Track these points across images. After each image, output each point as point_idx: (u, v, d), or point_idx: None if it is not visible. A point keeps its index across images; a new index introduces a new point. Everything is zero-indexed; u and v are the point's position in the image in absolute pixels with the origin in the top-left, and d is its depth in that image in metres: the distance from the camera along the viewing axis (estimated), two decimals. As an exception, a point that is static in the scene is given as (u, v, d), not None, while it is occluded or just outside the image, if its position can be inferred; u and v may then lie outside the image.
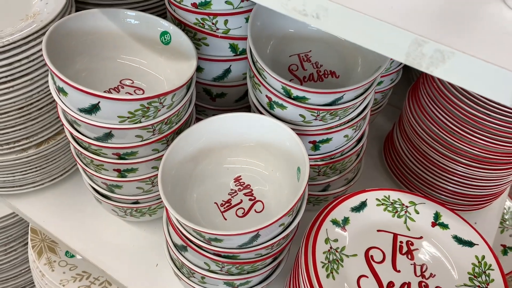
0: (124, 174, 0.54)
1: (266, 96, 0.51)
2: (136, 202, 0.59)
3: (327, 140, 0.55)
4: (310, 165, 0.58)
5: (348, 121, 0.54)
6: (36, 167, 0.63)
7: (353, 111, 0.53)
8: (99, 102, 0.44)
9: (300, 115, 0.51)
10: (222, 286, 0.52)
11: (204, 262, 0.49)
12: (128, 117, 0.46)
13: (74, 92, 0.44)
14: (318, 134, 0.54)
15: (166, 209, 0.51)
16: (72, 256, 0.71)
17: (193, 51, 0.52)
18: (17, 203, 0.67)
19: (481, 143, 0.62)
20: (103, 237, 0.64)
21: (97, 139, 0.50)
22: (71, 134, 0.51)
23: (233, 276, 0.50)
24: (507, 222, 0.90)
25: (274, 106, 0.51)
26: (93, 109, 0.45)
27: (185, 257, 0.51)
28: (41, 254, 0.69)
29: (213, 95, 0.63)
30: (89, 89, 0.43)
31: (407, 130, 0.71)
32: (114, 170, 0.54)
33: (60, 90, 0.46)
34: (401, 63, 0.70)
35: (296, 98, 0.49)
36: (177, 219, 0.45)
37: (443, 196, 0.71)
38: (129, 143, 0.50)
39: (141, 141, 0.50)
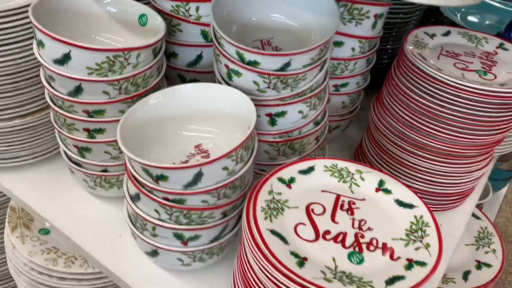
0: (93, 134, 0.59)
1: (225, 65, 0.57)
2: (105, 170, 0.63)
3: (282, 114, 0.59)
4: (268, 141, 0.62)
5: (301, 94, 0.58)
6: (20, 140, 0.68)
7: (304, 84, 0.57)
8: (70, 51, 0.50)
9: (254, 82, 0.56)
10: (172, 238, 0.54)
11: (155, 210, 0.52)
12: (96, 69, 0.52)
13: (49, 42, 0.51)
14: (272, 105, 0.58)
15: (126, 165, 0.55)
16: (45, 233, 0.73)
17: (163, 27, 0.58)
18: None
19: (441, 136, 0.65)
20: (74, 210, 0.68)
21: (68, 94, 0.55)
22: (48, 92, 0.57)
23: (182, 226, 0.52)
24: (483, 241, 0.90)
25: (232, 74, 0.57)
26: (65, 59, 0.51)
27: (138, 207, 0.54)
28: (15, 229, 0.72)
29: (187, 81, 0.69)
30: (61, 37, 0.50)
31: (373, 132, 0.75)
32: (84, 129, 0.59)
33: (39, 43, 0.52)
34: (368, 66, 0.75)
35: (249, 63, 0.54)
36: (128, 156, 0.49)
37: None
38: (97, 99, 0.55)
39: (108, 98, 0.55)
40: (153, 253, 0.57)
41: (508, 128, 0.67)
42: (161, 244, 0.55)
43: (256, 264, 0.45)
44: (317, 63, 0.56)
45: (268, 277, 0.44)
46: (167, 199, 0.50)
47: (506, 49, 0.72)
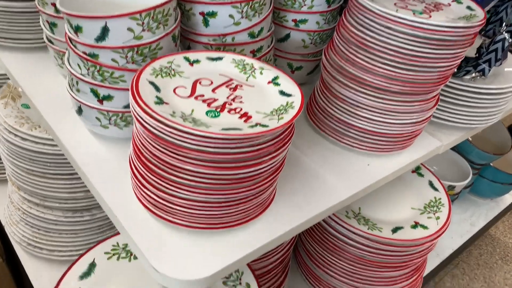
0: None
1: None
2: (69, 49, 0.75)
3: (213, 14, 0.66)
4: (203, 43, 0.70)
5: (229, -4, 0.65)
6: (24, 22, 0.81)
7: (231, -14, 0.64)
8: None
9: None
10: (90, 95, 0.63)
11: (77, 64, 0.62)
12: None
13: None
14: (203, 3, 0.65)
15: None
16: (26, 107, 0.86)
17: None
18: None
19: (378, 70, 0.67)
20: (55, 91, 0.79)
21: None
22: None
23: (97, 82, 0.61)
24: (431, 208, 0.88)
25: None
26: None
27: (69, 64, 0.64)
28: (3, 98, 0.85)
29: None
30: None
31: (322, 70, 0.79)
32: (51, 4, 0.70)
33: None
34: (328, 7, 0.80)
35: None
36: (62, 12, 0.59)
37: (353, 135, 0.75)
38: None
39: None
40: (79, 111, 0.67)
41: (447, 68, 0.68)
42: (82, 100, 0.64)
43: (131, 105, 0.53)
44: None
45: (134, 112, 0.52)
46: (85, 53, 0.60)
47: (460, 3, 0.73)
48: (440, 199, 0.91)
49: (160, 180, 0.53)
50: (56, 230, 0.93)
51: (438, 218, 0.87)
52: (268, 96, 0.57)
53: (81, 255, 0.67)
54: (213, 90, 0.57)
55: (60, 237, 0.94)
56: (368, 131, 0.74)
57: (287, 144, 0.55)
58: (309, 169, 0.73)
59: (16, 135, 0.79)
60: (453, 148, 1.30)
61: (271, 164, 0.55)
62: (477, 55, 0.87)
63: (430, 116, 0.78)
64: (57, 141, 0.72)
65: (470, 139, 1.28)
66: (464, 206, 1.41)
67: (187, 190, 0.53)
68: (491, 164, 1.32)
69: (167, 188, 0.53)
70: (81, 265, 0.66)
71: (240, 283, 0.67)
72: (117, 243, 0.72)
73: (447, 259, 1.22)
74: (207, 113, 0.52)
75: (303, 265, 1.05)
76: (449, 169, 1.28)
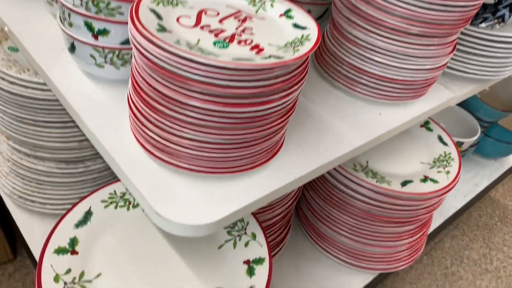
0: None
1: None
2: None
3: None
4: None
5: None
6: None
7: None
8: None
9: None
10: (84, 29, 0.57)
11: (70, -6, 0.56)
12: None
13: None
14: None
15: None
16: (13, 50, 0.80)
17: None
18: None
19: (393, 10, 0.63)
20: (45, 32, 0.73)
21: None
22: None
23: (91, 13, 0.56)
24: (440, 163, 0.85)
25: None
26: None
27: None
28: (-10, 40, 0.80)
29: None
30: None
31: (333, 12, 0.73)
32: None
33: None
34: None
35: None
36: None
37: (366, 81, 0.71)
38: None
39: None
40: (72, 48, 0.61)
41: (469, 9, 0.64)
42: (75, 35, 0.59)
43: (130, 33, 0.47)
44: None
45: (134, 41, 0.46)
46: (77, -20, 0.54)
47: None
48: (450, 153, 0.87)
49: (163, 118, 0.49)
50: (49, 182, 0.89)
51: (448, 172, 0.83)
52: (281, 29, 0.52)
53: (76, 203, 0.63)
54: (220, 21, 0.51)
55: (53, 190, 0.90)
56: (381, 77, 0.70)
57: (302, 81, 0.51)
58: (318, 118, 0.69)
59: (3, 79, 0.73)
60: (460, 105, 1.27)
61: (284, 103, 0.50)
62: (496, 0, 0.82)
63: (446, 64, 0.74)
64: (49, 83, 0.67)
65: (479, 95, 1.24)
66: (468, 167, 1.38)
67: (193, 130, 0.48)
68: (498, 122, 1.28)
69: (170, 127, 0.49)
70: (77, 213, 0.62)
71: (246, 233, 0.64)
72: (114, 191, 0.68)
73: (450, 218, 1.20)
74: (214, 43, 0.47)
75: (306, 222, 1.02)
76: (457, 126, 1.25)
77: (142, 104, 0.50)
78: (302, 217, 1.04)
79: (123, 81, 0.64)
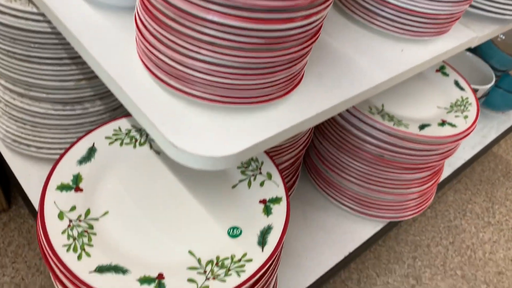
0: None
1: None
2: None
3: None
4: None
5: None
6: None
7: None
8: None
9: None
10: None
11: None
12: None
13: None
14: None
15: None
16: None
17: None
18: None
19: None
20: None
21: None
22: None
23: None
24: (458, 107, 0.82)
25: None
26: None
27: None
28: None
29: None
30: None
31: None
32: None
33: None
34: None
35: None
36: None
37: (387, 14, 0.66)
38: None
39: None
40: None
41: None
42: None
43: None
44: None
45: None
46: None
47: None
48: (467, 98, 0.83)
49: (176, 37, 0.43)
50: (45, 125, 0.84)
51: (466, 117, 0.80)
52: None
53: (79, 139, 0.58)
54: None
55: (49, 133, 0.85)
56: (404, 9, 0.65)
57: (328, 3, 0.46)
58: (338, 53, 0.64)
59: (-7, 7, 0.67)
60: (474, 53, 1.22)
61: (308, 24, 0.45)
62: None
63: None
64: (45, 10, 0.60)
65: (494, 42, 1.19)
66: (476, 119, 1.36)
67: (210, 50, 0.43)
68: (510, 73, 1.24)
69: (184, 47, 0.44)
70: (79, 150, 0.58)
71: (261, 173, 0.60)
72: (119, 127, 0.63)
73: (458, 169, 1.18)
74: None
75: (314, 170, 0.98)
76: (470, 74, 1.21)
77: (152, 23, 0.45)
78: (310, 165, 1.01)
79: (128, 9, 0.58)
